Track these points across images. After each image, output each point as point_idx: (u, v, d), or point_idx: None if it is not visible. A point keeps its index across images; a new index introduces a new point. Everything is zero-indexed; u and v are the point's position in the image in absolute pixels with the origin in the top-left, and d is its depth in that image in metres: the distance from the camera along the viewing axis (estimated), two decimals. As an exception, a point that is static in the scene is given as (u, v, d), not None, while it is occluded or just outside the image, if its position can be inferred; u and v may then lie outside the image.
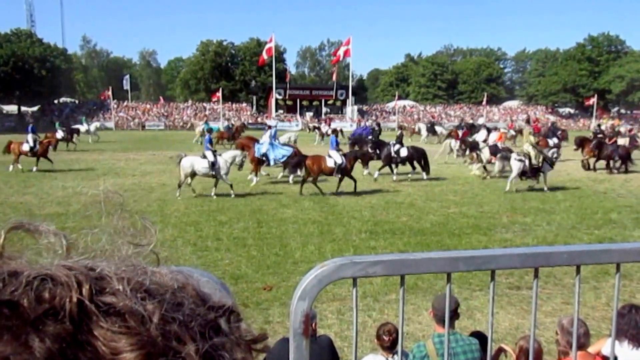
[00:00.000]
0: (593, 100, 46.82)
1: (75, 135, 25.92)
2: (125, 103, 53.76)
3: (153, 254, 0.43)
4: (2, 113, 50.06)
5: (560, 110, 62.89)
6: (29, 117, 47.85)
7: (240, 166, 12.79)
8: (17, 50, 49.85)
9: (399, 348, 1.02)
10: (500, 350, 3.22)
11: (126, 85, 52.28)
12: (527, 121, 36.30)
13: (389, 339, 2.97)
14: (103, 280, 0.36)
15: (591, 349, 3.22)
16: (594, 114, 48.25)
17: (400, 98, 56.94)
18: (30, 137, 17.22)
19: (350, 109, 51.12)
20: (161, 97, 58.09)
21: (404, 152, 14.96)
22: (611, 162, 16.92)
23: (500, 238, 8.52)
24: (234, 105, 55.22)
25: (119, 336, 0.34)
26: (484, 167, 15.62)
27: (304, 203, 11.37)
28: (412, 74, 72.20)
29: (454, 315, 3.16)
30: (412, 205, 11.23)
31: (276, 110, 51.32)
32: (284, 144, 15.54)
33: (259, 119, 49.29)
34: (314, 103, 53.25)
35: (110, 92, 45.66)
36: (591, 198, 12.25)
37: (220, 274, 6.63)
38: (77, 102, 57.33)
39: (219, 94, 44.74)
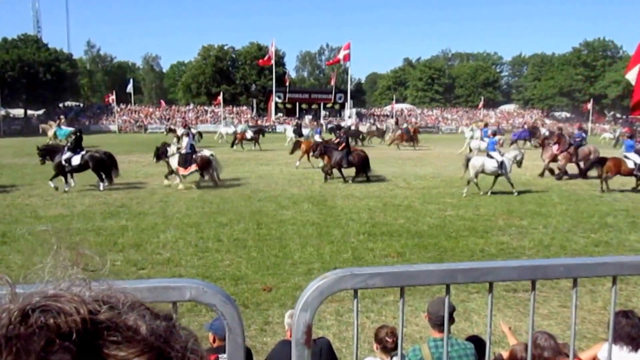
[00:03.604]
0: (589, 105, 47.14)
1: (261, 136, 28.07)
2: (128, 106, 53.78)
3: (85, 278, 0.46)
4: (9, 116, 50.04)
5: (557, 114, 63.14)
6: (34, 119, 47.87)
7: (519, 164, 13.74)
8: (24, 55, 50.15)
9: (398, 353, 1.06)
10: None
11: (129, 89, 52.35)
12: (397, 122, 35.61)
13: (392, 341, 2.98)
14: (86, 302, 0.41)
15: (587, 354, 3.26)
16: (590, 118, 48.50)
17: (398, 101, 57.07)
18: (318, 137, 19.98)
19: (349, 112, 51.27)
20: (162, 101, 58.02)
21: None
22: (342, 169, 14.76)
23: (497, 241, 8.55)
24: (234, 108, 55.27)
25: (125, 345, 0.39)
26: (171, 178, 14.14)
27: (303, 205, 11.40)
28: (410, 78, 72.38)
29: (450, 319, 3.17)
30: (410, 208, 11.27)
31: (276, 114, 51.45)
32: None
33: (259, 122, 49.42)
34: (313, 106, 53.37)
35: (114, 96, 45.71)
36: (587, 202, 12.31)
37: (220, 274, 6.68)
38: (81, 105, 57.35)
39: (220, 97, 45.00)
